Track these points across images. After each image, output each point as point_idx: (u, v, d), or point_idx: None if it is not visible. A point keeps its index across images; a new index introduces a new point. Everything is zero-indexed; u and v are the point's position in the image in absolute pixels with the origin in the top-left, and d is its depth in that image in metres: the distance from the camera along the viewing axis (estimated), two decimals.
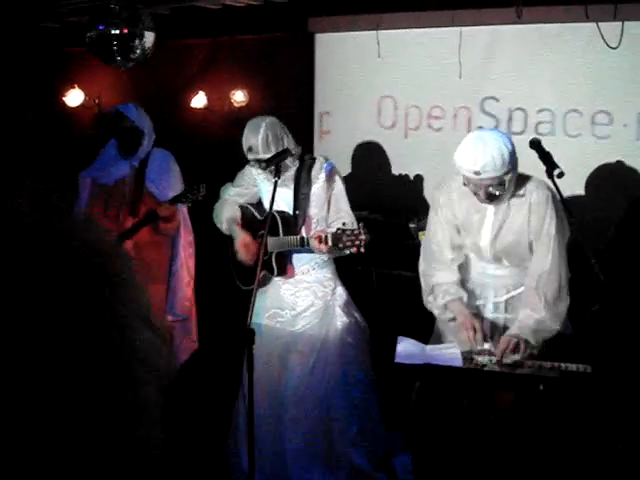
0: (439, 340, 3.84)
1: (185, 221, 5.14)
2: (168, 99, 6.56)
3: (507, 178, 3.48)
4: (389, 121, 5.72)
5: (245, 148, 4.07)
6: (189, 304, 5.21)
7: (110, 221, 5.01)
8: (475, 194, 3.56)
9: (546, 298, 3.58)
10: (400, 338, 3.51)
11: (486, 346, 3.61)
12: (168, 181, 5.01)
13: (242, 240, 4.23)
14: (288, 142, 4.10)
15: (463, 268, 3.83)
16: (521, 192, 3.63)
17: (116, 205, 5.02)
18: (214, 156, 6.24)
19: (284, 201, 4.16)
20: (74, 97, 6.92)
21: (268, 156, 3.98)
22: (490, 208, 3.66)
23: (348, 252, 3.75)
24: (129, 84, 6.71)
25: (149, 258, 4.97)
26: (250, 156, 4.05)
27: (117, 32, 5.19)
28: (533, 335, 3.53)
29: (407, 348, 3.47)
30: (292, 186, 4.16)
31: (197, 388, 5.20)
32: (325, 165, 4.18)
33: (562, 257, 3.62)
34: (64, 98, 6.92)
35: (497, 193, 3.51)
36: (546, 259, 3.61)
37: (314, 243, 3.84)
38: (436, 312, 3.81)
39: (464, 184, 3.55)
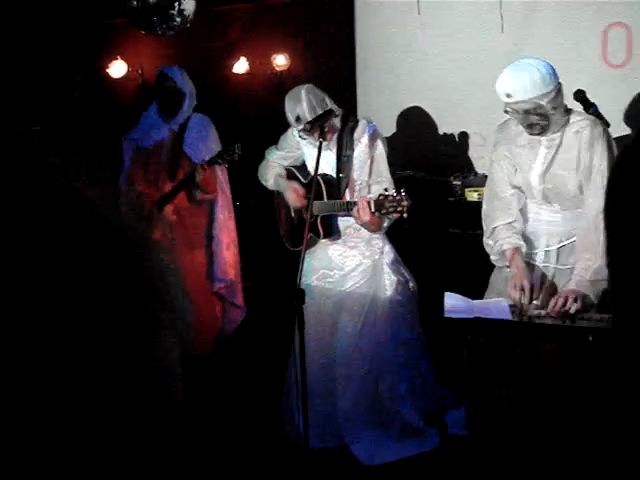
0: (494, 291, 3.86)
1: (222, 185, 5.15)
2: (210, 66, 6.59)
3: (544, 104, 3.40)
4: (431, 79, 5.70)
5: (292, 119, 4.03)
6: (231, 268, 5.23)
7: (150, 185, 5.07)
8: (523, 126, 3.53)
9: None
10: (447, 294, 3.52)
11: (534, 302, 3.62)
12: (206, 146, 5.01)
13: (291, 187, 4.25)
14: (330, 103, 4.11)
15: (521, 214, 3.79)
16: (574, 127, 3.54)
17: (155, 169, 5.07)
18: (257, 120, 6.28)
19: (327, 164, 4.15)
20: (117, 68, 6.99)
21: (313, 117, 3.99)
22: (543, 142, 3.60)
23: (391, 217, 3.77)
24: (171, 53, 6.75)
25: (189, 223, 5.04)
26: (299, 126, 4.01)
27: (156, 1, 5.22)
28: (592, 287, 3.43)
29: (455, 303, 3.49)
30: (335, 149, 4.15)
31: (251, 348, 5.30)
32: (368, 127, 4.15)
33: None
34: (107, 70, 7.00)
35: (540, 123, 3.47)
36: (602, 198, 3.53)
37: (355, 214, 3.82)
38: (493, 257, 3.81)
39: (505, 111, 3.50)
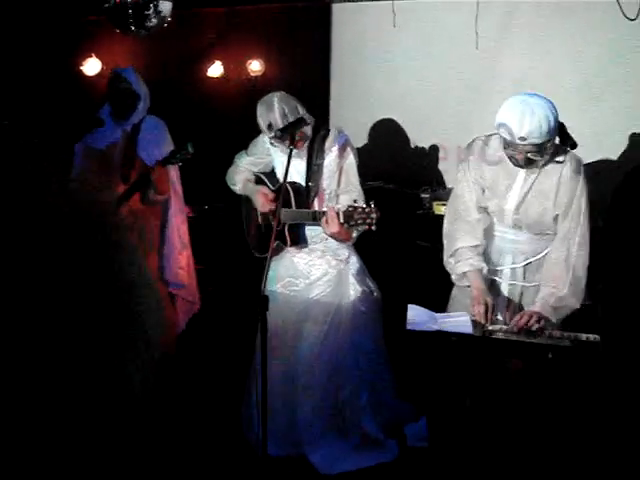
0: (456, 304, 3.88)
1: (175, 187, 5.08)
2: (185, 68, 6.57)
3: (549, 145, 3.46)
4: (405, 92, 5.72)
5: (264, 126, 4.01)
6: (183, 272, 5.16)
7: (103, 187, 4.98)
8: (510, 158, 3.55)
9: (574, 272, 3.59)
10: (410, 306, 3.53)
11: (499, 317, 3.66)
12: (159, 148, 4.91)
13: (260, 191, 4.23)
14: (303, 112, 4.11)
15: (486, 232, 3.81)
16: (556, 161, 3.59)
17: (108, 171, 4.98)
18: (230, 125, 6.26)
19: (297, 172, 4.14)
20: (91, 66, 6.94)
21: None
22: (521, 173, 3.62)
23: (360, 229, 3.75)
24: (146, 53, 6.71)
25: (142, 226, 4.96)
26: (270, 133, 3.99)
27: (133, 0, 5.19)
28: (554, 313, 3.54)
29: (417, 315, 3.50)
30: (305, 157, 4.13)
31: (210, 355, 5.27)
32: (339, 137, 4.15)
33: (589, 233, 3.64)
34: (81, 67, 6.95)
35: (536, 159, 3.49)
36: (576, 233, 3.60)
37: (323, 224, 3.79)
38: (453, 277, 3.82)
39: (504, 147, 3.52)
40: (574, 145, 3.54)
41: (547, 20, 5.17)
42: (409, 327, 3.43)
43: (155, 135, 4.99)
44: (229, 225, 4.79)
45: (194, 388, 4.96)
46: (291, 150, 3.81)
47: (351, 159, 4.16)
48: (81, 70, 6.95)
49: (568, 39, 5.13)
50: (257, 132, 4.36)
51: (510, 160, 3.56)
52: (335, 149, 4.13)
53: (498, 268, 3.84)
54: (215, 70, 6.50)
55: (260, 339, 3.40)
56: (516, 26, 5.29)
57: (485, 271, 3.72)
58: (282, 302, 4.17)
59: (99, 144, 5.01)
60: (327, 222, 3.75)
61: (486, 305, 3.55)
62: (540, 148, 3.43)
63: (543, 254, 3.76)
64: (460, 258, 3.76)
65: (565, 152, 3.62)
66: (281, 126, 3.94)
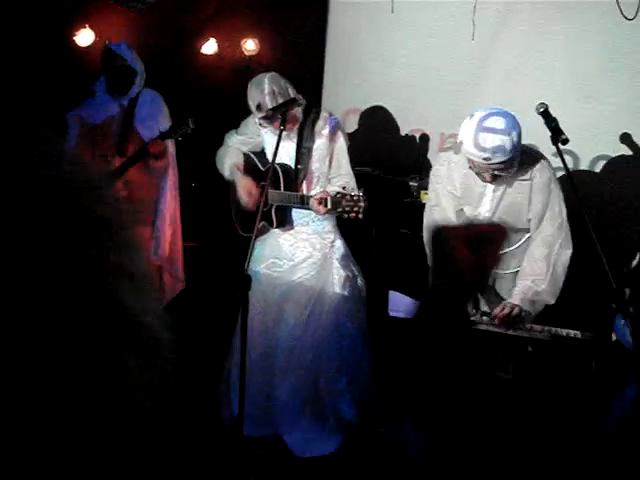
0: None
1: (172, 162, 5.08)
2: (179, 43, 6.51)
3: (515, 160, 3.49)
4: (399, 80, 5.70)
5: (254, 106, 4.01)
6: (174, 247, 5.16)
7: (100, 161, 4.98)
8: (478, 174, 3.58)
9: (554, 269, 3.64)
10: (392, 293, 3.55)
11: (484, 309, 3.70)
12: (157, 120, 4.91)
13: (244, 185, 4.22)
14: (293, 94, 4.09)
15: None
16: (525, 175, 3.65)
17: (105, 145, 4.98)
18: (222, 103, 6.22)
19: (287, 154, 4.15)
20: (84, 37, 6.85)
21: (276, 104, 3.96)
22: (489, 186, 3.68)
23: (346, 216, 3.74)
24: (140, 27, 6.65)
25: (138, 198, 4.96)
26: (260, 114, 4.00)
27: None
28: (531, 306, 3.61)
29: (398, 302, 3.52)
30: (295, 139, 4.14)
31: (191, 332, 5.26)
32: (330, 120, 4.16)
33: (570, 234, 3.69)
34: (74, 37, 6.88)
35: (503, 174, 3.52)
36: (560, 234, 3.67)
37: (313, 204, 3.83)
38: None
39: (469, 167, 3.56)
40: (565, 141, 3.54)
41: (545, 15, 5.15)
42: (391, 314, 3.45)
43: (152, 109, 4.99)
44: (216, 203, 4.77)
45: (173, 365, 4.96)
46: (281, 131, 3.80)
47: (341, 142, 4.16)
48: (74, 40, 6.88)
49: (565, 35, 5.11)
50: (249, 111, 4.34)
51: (478, 176, 3.57)
52: (326, 132, 4.13)
53: None
54: (209, 47, 6.45)
55: (241, 319, 3.40)
56: (514, 20, 5.27)
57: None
58: (265, 282, 4.17)
59: (95, 118, 5.00)
60: (316, 205, 3.79)
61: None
62: (506, 164, 3.46)
63: (516, 246, 3.83)
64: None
65: (535, 163, 3.66)
66: (270, 107, 3.93)
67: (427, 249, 3.90)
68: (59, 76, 6.83)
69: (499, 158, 3.39)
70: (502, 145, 3.36)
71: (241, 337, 3.47)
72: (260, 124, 4.08)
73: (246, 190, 4.22)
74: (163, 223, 5.12)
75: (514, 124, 3.44)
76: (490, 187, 3.68)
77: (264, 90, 3.96)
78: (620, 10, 4.79)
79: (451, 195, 3.79)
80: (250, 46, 6.29)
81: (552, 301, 3.64)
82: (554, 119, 3.72)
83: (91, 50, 6.94)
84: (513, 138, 3.39)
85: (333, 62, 5.95)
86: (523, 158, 3.59)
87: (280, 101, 3.95)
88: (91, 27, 6.85)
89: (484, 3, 5.29)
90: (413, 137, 5.63)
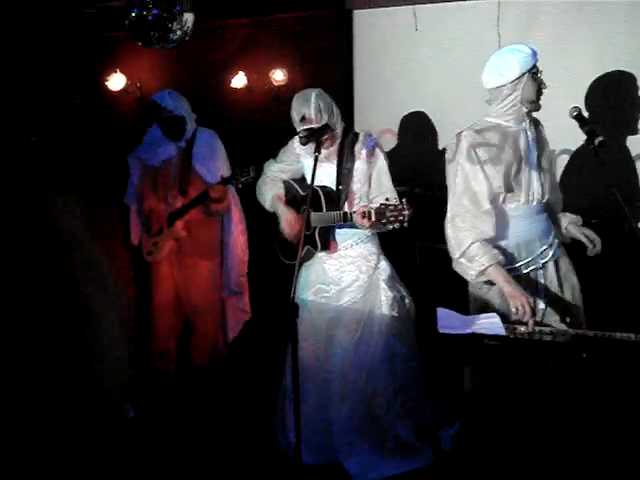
0: (480, 307, 3.83)
1: (235, 199, 5.26)
2: (208, 80, 6.60)
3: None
4: (429, 95, 5.69)
5: (297, 119, 4.02)
6: (243, 279, 5.36)
7: (160, 201, 5.17)
8: (537, 96, 3.72)
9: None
10: (440, 309, 3.51)
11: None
12: (215, 160, 5.14)
13: (286, 218, 4.25)
14: (337, 112, 4.13)
15: (504, 227, 3.74)
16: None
17: (164, 186, 5.17)
18: (255, 135, 6.29)
19: (327, 176, 4.17)
20: (116, 81, 6.99)
21: (322, 124, 3.98)
22: (528, 127, 3.75)
23: (391, 227, 3.71)
24: (169, 66, 6.76)
25: (200, 236, 5.17)
26: (303, 126, 4.00)
27: (155, 14, 5.23)
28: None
29: (448, 318, 3.47)
30: (335, 161, 4.16)
31: (246, 363, 5.31)
32: (368, 140, 4.17)
33: None
34: (106, 82, 7.01)
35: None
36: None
37: (357, 218, 3.83)
38: (472, 274, 3.65)
39: (535, 74, 3.70)
40: (602, 142, 3.54)
41: (570, 17, 5.10)
42: (442, 330, 3.41)
43: (209, 148, 5.18)
44: (261, 233, 4.83)
45: (229, 394, 5.00)
46: (317, 157, 3.82)
47: (382, 162, 4.17)
48: (106, 86, 7.01)
49: (592, 40, 5.06)
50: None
51: (534, 101, 3.69)
52: (364, 152, 4.15)
53: (531, 257, 3.79)
54: (239, 81, 6.52)
55: (291, 348, 3.40)
56: (538, 26, 5.24)
57: (503, 262, 3.62)
58: (313, 309, 4.18)
59: (154, 161, 5.25)
60: (361, 218, 3.79)
61: (531, 308, 3.49)
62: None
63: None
64: (475, 254, 3.60)
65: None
66: (314, 122, 3.97)
67: (450, 238, 3.74)
68: (95, 122, 6.96)
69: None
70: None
71: (293, 366, 3.47)
72: (300, 141, 4.04)
73: (288, 223, 4.24)
74: (234, 259, 5.29)
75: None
76: (530, 138, 3.74)
77: (310, 104, 3.99)
78: None
79: (490, 169, 3.66)
80: (279, 76, 6.34)
81: None
82: (589, 121, 3.71)
83: (122, 94, 7.07)
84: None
85: (361, 85, 5.98)
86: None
87: (325, 118, 3.99)
88: (121, 71, 6.98)
89: (507, 11, 5.27)
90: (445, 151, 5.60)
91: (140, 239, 5.36)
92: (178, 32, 5.25)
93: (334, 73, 6.05)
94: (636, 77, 4.84)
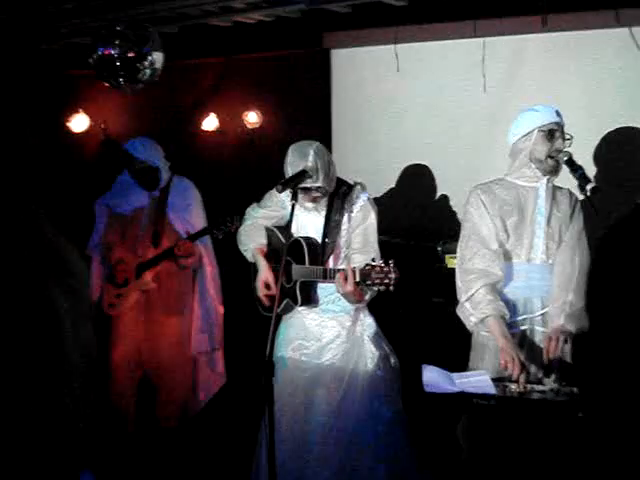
0: (480, 354, 3.85)
1: (208, 252, 5.23)
2: (178, 122, 6.61)
3: (570, 139, 3.86)
4: (410, 139, 5.73)
5: (291, 173, 3.95)
6: (217, 337, 5.31)
7: (128, 251, 5.12)
8: (546, 157, 3.76)
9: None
10: (424, 366, 3.49)
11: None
12: (191, 212, 5.11)
13: (263, 278, 4.20)
14: (333, 172, 4.09)
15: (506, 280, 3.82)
16: (562, 188, 3.93)
17: (134, 235, 5.13)
18: (227, 182, 6.29)
19: (314, 227, 4.12)
20: (79, 122, 6.99)
21: (316, 184, 3.96)
22: (541, 187, 3.82)
23: (376, 289, 3.63)
24: (136, 107, 6.75)
25: (171, 289, 5.11)
26: (306, 183, 3.95)
27: (122, 54, 5.22)
28: (576, 322, 3.73)
29: (434, 376, 3.47)
30: (324, 212, 4.12)
31: (218, 426, 5.23)
32: (361, 195, 4.16)
33: None
34: (68, 123, 7.01)
35: (563, 148, 3.79)
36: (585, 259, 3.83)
37: (338, 280, 3.72)
38: (472, 320, 3.74)
39: (547, 132, 3.77)
40: (596, 189, 3.57)
41: (557, 56, 5.17)
42: (427, 389, 3.40)
43: (185, 200, 5.17)
44: (239, 283, 4.79)
45: (200, 460, 4.93)
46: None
47: (372, 219, 4.13)
48: (68, 126, 7.00)
49: (581, 75, 5.13)
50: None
51: (547, 159, 3.76)
52: (356, 207, 4.13)
53: (527, 316, 3.84)
54: (210, 123, 6.54)
55: (267, 409, 3.36)
56: (525, 64, 5.31)
57: (508, 318, 3.69)
58: (292, 367, 4.12)
59: (124, 209, 5.16)
60: (342, 280, 3.69)
61: (521, 364, 3.52)
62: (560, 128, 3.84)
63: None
64: (480, 301, 3.70)
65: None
66: (308, 180, 3.93)
67: (458, 283, 3.87)
68: (57, 162, 6.92)
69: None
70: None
71: (269, 428, 3.42)
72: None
73: (263, 284, 4.20)
74: (211, 315, 5.27)
75: None
76: (541, 193, 3.83)
77: (308, 161, 3.93)
78: (636, 44, 4.83)
79: (496, 218, 3.82)
80: (252, 118, 6.36)
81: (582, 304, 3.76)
82: (579, 167, 3.74)
83: (85, 135, 7.06)
84: None
85: (341, 127, 6.00)
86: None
87: (320, 176, 3.95)
88: (85, 111, 6.98)
89: (492, 51, 5.33)
90: (431, 198, 5.63)
91: (101, 292, 5.28)
92: (146, 72, 5.26)
93: (311, 115, 6.09)
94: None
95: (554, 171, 3.80)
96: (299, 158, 3.97)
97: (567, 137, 3.83)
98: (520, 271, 3.83)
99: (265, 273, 4.22)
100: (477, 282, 3.72)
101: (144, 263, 5.05)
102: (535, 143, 3.79)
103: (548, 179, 3.82)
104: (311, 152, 3.98)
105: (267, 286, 4.20)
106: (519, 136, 3.84)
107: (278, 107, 6.28)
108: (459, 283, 3.83)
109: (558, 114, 3.81)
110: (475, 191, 3.90)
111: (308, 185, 3.95)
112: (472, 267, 3.77)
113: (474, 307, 3.71)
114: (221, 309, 5.34)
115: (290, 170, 3.98)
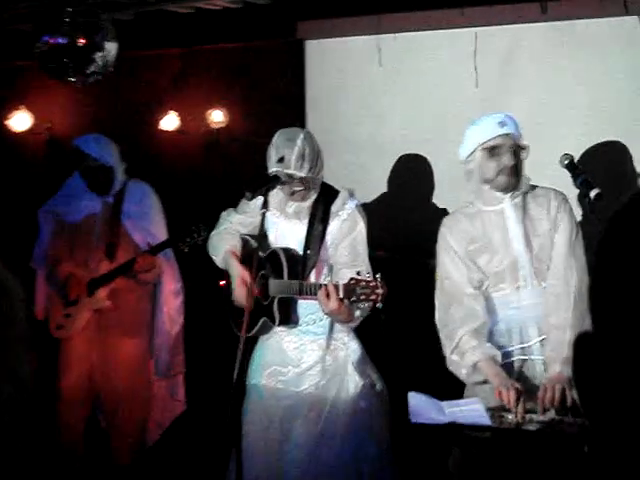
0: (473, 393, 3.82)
1: (170, 265, 5.19)
2: (133, 121, 6.58)
3: (524, 149, 3.76)
4: (395, 139, 5.72)
5: (274, 158, 3.94)
6: (177, 360, 5.29)
7: (78, 265, 5.04)
8: (496, 174, 3.70)
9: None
10: (411, 394, 3.48)
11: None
12: (149, 220, 5.06)
13: (241, 277, 4.08)
14: (320, 166, 4.09)
15: (490, 312, 3.83)
16: (541, 191, 3.85)
17: (85, 247, 5.06)
18: (189, 186, 6.26)
19: (294, 237, 4.09)
20: (20, 120, 6.91)
21: (300, 174, 3.95)
22: (507, 202, 3.78)
23: (363, 306, 3.67)
24: (86, 104, 6.71)
25: (127, 308, 5.05)
26: (277, 168, 3.93)
27: (71, 43, 5.15)
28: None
29: (421, 405, 3.46)
30: (306, 220, 4.09)
31: (180, 460, 5.19)
32: (349, 201, 4.13)
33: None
34: (8, 121, 6.93)
35: (514, 163, 3.69)
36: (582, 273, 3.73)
37: (321, 297, 3.70)
38: (464, 372, 3.77)
39: (490, 149, 3.72)
40: (599, 196, 3.57)
41: (558, 48, 5.17)
42: (413, 420, 3.39)
43: (143, 206, 5.15)
44: (206, 300, 4.76)
45: None
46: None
47: (361, 228, 4.11)
48: (7, 125, 6.92)
49: (584, 69, 5.14)
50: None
51: (497, 176, 3.72)
52: (343, 215, 4.10)
53: (524, 345, 3.84)
54: (169, 122, 6.50)
55: (235, 446, 3.33)
56: (522, 57, 5.32)
57: (499, 358, 3.71)
58: (267, 396, 4.07)
59: (72, 217, 5.08)
60: (325, 296, 3.66)
61: (516, 390, 3.52)
62: (515, 147, 3.75)
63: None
64: (465, 349, 3.74)
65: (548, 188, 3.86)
66: (292, 168, 3.92)
67: (441, 334, 3.88)
68: None
69: (511, 128, 3.75)
70: (511, 117, 3.81)
71: (236, 464, 3.41)
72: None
73: (242, 281, 4.06)
74: (167, 338, 5.23)
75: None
76: (510, 216, 3.80)
77: (294, 145, 3.94)
78: None
79: (465, 259, 3.83)
80: (217, 117, 6.34)
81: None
82: (582, 171, 3.73)
83: (28, 135, 6.97)
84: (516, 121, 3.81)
85: (317, 126, 5.98)
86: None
87: (305, 167, 3.95)
88: (28, 108, 6.90)
89: (485, 43, 5.35)
90: (415, 205, 5.60)
91: (47, 312, 5.22)
92: (98, 64, 5.21)
93: (283, 113, 6.06)
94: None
95: (512, 186, 3.77)
96: (285, 142, 3.98)
97: (522, 147, 3.78)
98: (510, 301, 3.85)
99: (242, 271, 4.09)
100: (459, 331, 3.76)
101: (97, 279, 4.99)
102: (480, 164, 3.77)
103: (512, 195, 3.79)
104: (300, 136, 4.00)
105: (246, 288, 4.11)
106: (464, 157, 3.84)
107: (246, 105, 6.26)
108: (442, 335, 3.87)
109: (503, 124, 3.74)
110: (441, 229, 3.92)
111: (290, 172, 3.92)
112: (450, 317, 3.82)
113: (461, 357, 3.75)
114: (181, 330, 5.28)
115: (274, 155, 3.97)
